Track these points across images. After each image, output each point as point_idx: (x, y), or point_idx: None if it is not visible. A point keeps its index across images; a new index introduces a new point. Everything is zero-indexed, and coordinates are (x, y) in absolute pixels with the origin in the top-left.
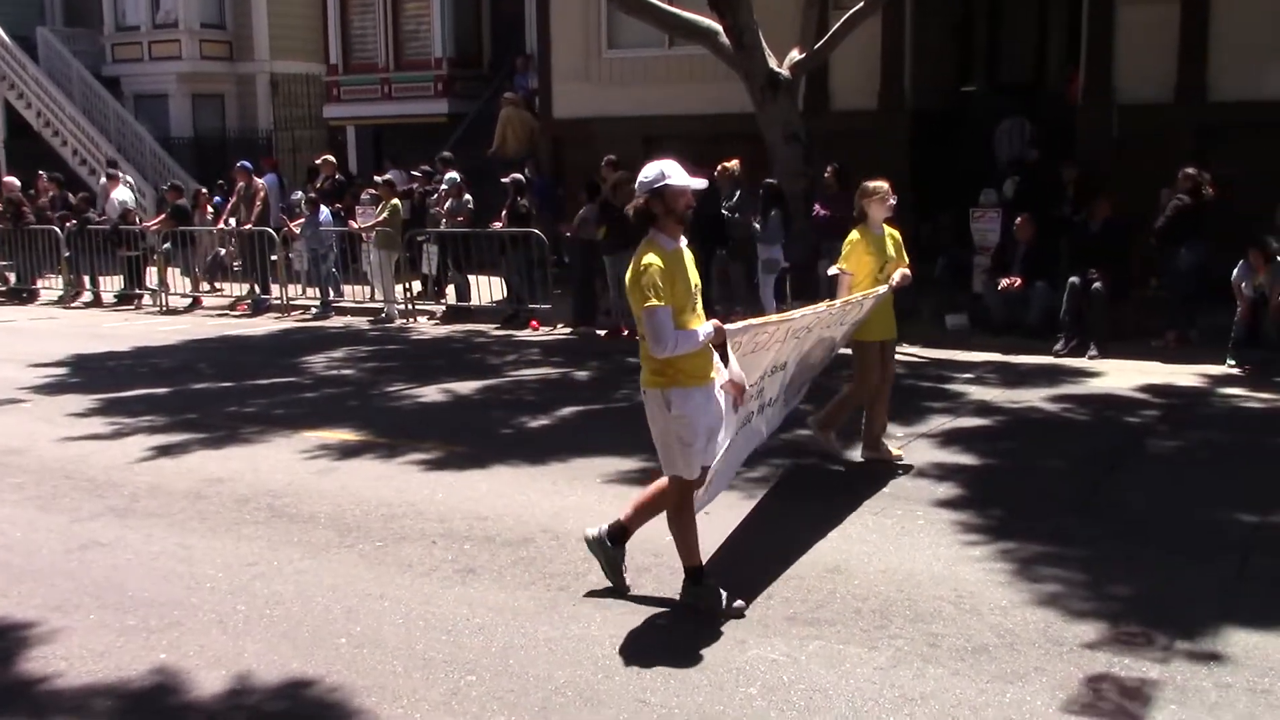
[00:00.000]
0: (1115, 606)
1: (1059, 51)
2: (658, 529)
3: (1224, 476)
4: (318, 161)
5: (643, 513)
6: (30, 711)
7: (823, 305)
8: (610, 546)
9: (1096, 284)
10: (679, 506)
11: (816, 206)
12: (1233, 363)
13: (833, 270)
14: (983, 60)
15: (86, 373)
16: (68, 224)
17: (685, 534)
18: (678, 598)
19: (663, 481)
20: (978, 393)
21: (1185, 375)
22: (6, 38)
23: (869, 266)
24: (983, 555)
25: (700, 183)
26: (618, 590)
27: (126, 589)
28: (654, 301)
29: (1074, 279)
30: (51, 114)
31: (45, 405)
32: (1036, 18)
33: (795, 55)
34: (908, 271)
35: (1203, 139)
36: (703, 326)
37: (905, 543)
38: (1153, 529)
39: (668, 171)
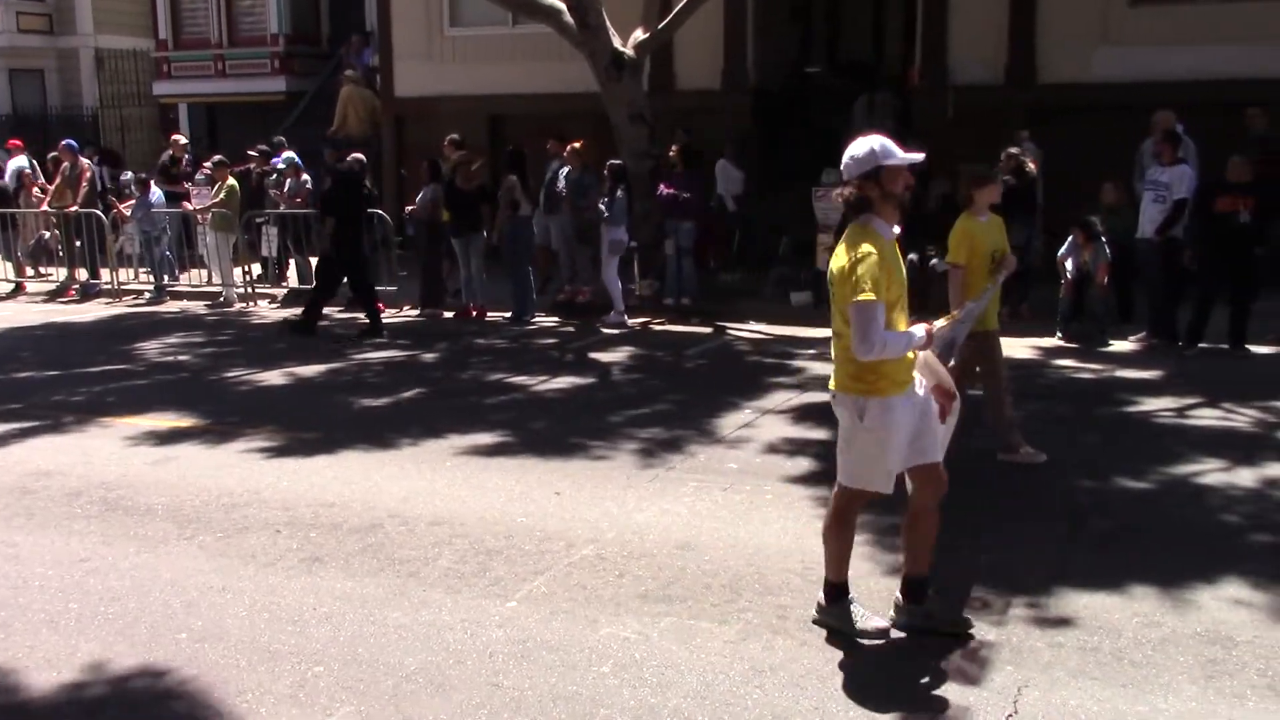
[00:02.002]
0: (956, 572)
1: (897, 33)
2: (507, 510)
3: (1058, 443)
4: (175, 139)
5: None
6: None
7: (970, 303)
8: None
9: (934, 261)
10: (842, 517)
11: (661, 186)
12: (1060, 335)
13: (940, 265)
14: (824, 42)
15: None
16: None
17: (841, 548)
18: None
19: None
20: (822, 368)
21: (1019, 348)
22: None
23: (982, 256)
24: None
25: (917, 156)
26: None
27: None
28: (868, 295)
29: (912, 255)
30: None
31: None
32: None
33: (639, 35)
34: (1014, 258)
35: (1033, 119)
36: (915, 330)
37: (754, 517)
38: (993, 495)
39: (879, 149)
